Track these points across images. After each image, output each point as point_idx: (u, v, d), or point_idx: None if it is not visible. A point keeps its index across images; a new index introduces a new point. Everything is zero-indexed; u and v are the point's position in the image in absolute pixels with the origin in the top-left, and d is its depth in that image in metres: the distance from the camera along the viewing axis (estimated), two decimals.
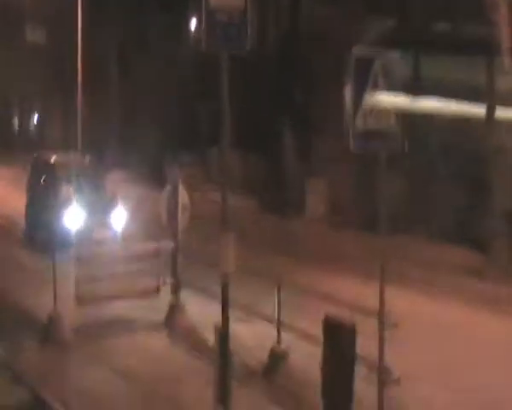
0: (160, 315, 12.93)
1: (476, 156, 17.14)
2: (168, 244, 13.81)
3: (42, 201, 19.83)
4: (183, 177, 14.49)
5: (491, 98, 13.95)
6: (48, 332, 12.05)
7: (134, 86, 38.80)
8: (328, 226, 22.26)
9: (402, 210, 20.09)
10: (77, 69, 33.77)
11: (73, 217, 17.97)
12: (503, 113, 11.87)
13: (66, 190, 18.87)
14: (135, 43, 37.50)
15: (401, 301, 12.54)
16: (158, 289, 13.47)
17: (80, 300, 12.72)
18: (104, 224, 18.38)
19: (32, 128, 58.63)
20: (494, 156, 16.68)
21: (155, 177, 23.14)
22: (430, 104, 8.47)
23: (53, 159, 20.91)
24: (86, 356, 11.34)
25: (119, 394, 9.93)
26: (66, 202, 18.41)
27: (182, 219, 12.92)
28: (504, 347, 11.84)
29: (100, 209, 18.62)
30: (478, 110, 9.43)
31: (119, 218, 18.62)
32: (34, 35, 43.31)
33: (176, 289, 13.13)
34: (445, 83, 17.37)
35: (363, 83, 8.01)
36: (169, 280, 13.33)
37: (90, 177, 19.95)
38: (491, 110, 10.79)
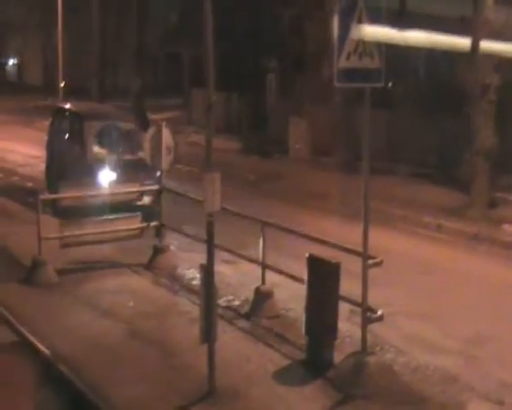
0: (145, 257, 12.92)
1: (461, 93, 17.03)
2: (152, 186, 13.76)
3: (64, 163, 16.69)
4: (166, 119, 14.41)
5: (477, 31, 13.81)
6: (32, 275, 12.02)
7: (116, 25, 38.32)
8: (311, 167, 22.24)
9: (384, 147, 20.12)
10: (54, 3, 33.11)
11: (105, 180, 15.53)
12: (488, 46, 11.77)
13: (96, 148, 16.30)
14: None
15: (382, 239, 12.61)
16: (142, 232, 13.43)
17: (64, 243, 12.66)
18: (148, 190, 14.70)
19: (10, 72, 57.64)
20: (478, 93, 16.60)
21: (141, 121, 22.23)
22: (415, 37, 8.36)
23: (79, 109, 17.82)
24: (71, 297, 11.34)
25: (104, 333, 9.95)
26: (97, 162, 15.94)
27: (166, 160, 12.83)
28: (481, 283, 11.99)
29: (137, 171, 15.16)
30: (464, 43, 9.36)
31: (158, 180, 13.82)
32: None
33: (160, 232, 13.11)
34: (431, 15, 17.25)
35: (349, 18, 7.92)
36: (153, 223, 13.28)
37: (125, 132, 16.57)
38: (476, 43, 10.71)
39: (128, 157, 15.88)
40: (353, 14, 7.91)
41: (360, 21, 7.90)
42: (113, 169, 15.68)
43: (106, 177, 15.58)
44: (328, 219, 15.48)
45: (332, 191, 17.25)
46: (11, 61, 58.58)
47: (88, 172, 15.56)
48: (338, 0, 7.90)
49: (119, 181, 15.43)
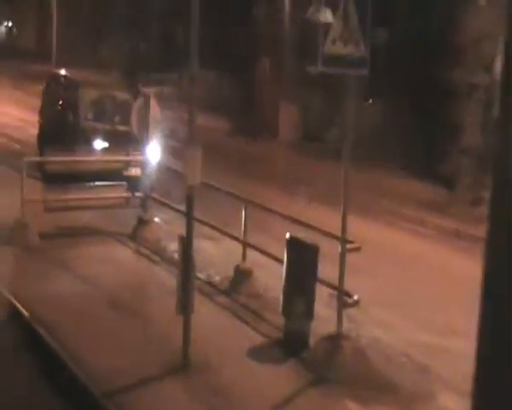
0: (128, 227, 12.91)
1: (448, 92, 17.11)
2: (138, 156, 13.74)
3: (58, 130, 16.54)
4: (156, 93, 14.33)
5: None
6: (14, 237, 11.97)
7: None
8: (298, 152, 22.24)
9: (371, 139, 20.16)
10: None
11: (95, 148, 15.50)
12: None
13: (89, 116, 16.23)
14: None
15: (365, 230, 12.68)
16: (127, 202, 13.42)
17: (48, 207, 12.63)
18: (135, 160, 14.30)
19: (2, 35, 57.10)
20: (465, 91, 16.69)
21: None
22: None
23: (74, 77, 17.69)
24: (52, 262, 11.31)
25: (83, 299, 9.94)
26: (88, 130, 15.89)
27: (152, 131, 12.80)
28: (459, 277, 12.04)
29: (127, 142, 14.56)
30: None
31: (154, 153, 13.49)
32: None
33: (144, 203, 13.10)
34: None
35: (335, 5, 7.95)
36: (138, 193, 13.26)
37: (119, 102, 16.43)
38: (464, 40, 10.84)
39: (120, 127, 15.78)
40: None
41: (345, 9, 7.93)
42: (104, 138, 15.62)
43: (96, 145, 15.54)
44: (312, 205, 15.48)
45: (317, 177, 17.27)
46: (4, 24, 58.17)
47: (79, 138, 15.53)
48: None
49: (108, 150, 15.39)
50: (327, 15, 8.01)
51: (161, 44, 36.63)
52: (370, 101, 21.25)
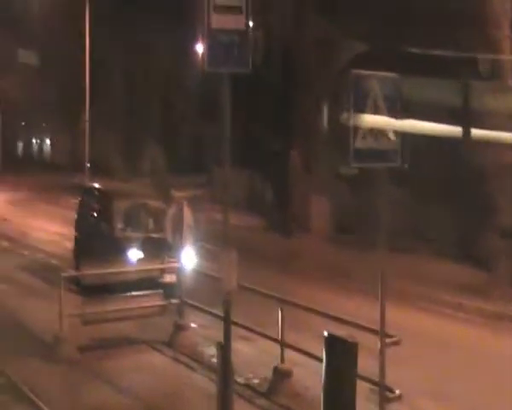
0: (166, 334, 12.93)
1: (478, 174, 17.16)
2: (173, 264, 13.84)
3: (93, 242, 16.85)
4: (189, 197, 14.54)
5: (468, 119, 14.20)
6: (53, 352, 12.05)
7: (139, 105, 38.96)
8: (332, 244, 22.27)
9: (403, 227, 20.14)
10: (81, 89, 33.89)
11: (131, 258, 15.66)
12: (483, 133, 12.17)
13: (124, 226, 16.41)
14: (141, 62, 37.55)
15: (403, 318, 12.56)
16: (163, 309, 13.48)
17: (86, 320, 12.73)
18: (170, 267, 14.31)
19: (35, 151, 58.74)
20: (496, 174, 16.72)
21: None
22: (415, 125, 8.63)
23: (108, 189, 18.34)
24: (92, 375, 11.34)
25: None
26: (124, 240, 16.10)
27: (186, 237, 12.95)
28: (503, 364, 11.81)
29: (162, 249, 14.83)
30: (456, 130, 9.70)
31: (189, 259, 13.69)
32: (26, 57, 43.07)
33: (181, 309, 13.14)
34: (423, 104, 17.55)
35: (362, 102, 8.08)
36: (174, 300, 13.32)
37: (153, 210, 16.67)
38: (467, 130, 11.11)
39: (154, 235, 15.96)
40: (367, 101, 8.08)
41: (375, 106, 8.06)
42: (139, 247, 15.80)
43: (132, 255, 15.71)
44: (348, 297, 15.45)
45: (352, 269, 17.23)
46: (46, 141, 59.99)
47: (114, 249, 15.70)
48: (352, 88, 8.05)
49: (144, 259, 15.54)
50: (359, 120, 8.14)
51: (191, 147, 37.29)
52: (406, 166, 21.21)
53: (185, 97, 36.05)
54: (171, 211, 13.26)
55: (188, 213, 13.05)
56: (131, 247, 15.80)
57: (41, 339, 12.80)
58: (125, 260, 15.52)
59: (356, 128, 8.10)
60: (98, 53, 35.41)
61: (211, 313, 12.64)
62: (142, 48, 36.96)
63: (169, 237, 13.26)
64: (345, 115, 8.25)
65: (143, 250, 15.75)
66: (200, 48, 35.10)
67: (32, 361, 11.87)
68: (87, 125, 34.92)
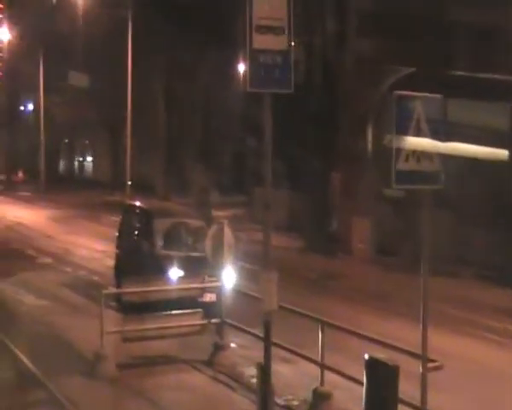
0: (206, 354, 12.95)
1: None
2: (213, 283, 13.87)
3: (134, 260, 16.85)
4: (229, 217, 14.60)
5: None
6: (94, 369, 12.14)
7: (181, 124, 39.27)
8: (374, 266, 22.18)
9: (447, 250, 19.97)
10: (123, 110, 34.31)
11: (171, 277, 15.60)
12: None
13: (164, 245, 16.37)
14: (182, 80, 37.82)
15: (445, 343, 12.44)
16: (203, 329, 13.50)
17: (126, 338, 12.82)
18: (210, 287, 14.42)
19: (76, 169, 59.60)
20: None
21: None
22: (458, 147, 8.61)
23: (148, 207, 18.26)
24: (131, 393, 11.40)
25: None
26: (164, 259, 16.05)
27: (227, 257, 12.98)
28: None
29: (202, 268, 14.77)
30: (502, 153, 9.62)
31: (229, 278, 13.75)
32: (76, 79, 43.70)
33: (220, 328, 13.16)
34: (469, 127, 17.45)
35: (405, 124, 8.08)
36: (214, 319, 13.34)
37: (193, 229, 16.70)
38: None
39: (194, 254, 15.89)
40: (410, 122, 8.07)
41: (418, 128, 8.05)
42: (179, 265, 15.86)
43: (172, 273, 15.76)
44: (389, 319, 15.34)
45: (394, 292, 17.13)
46: (88, 159, 60.80)
47: (155, 268, 15.76)
48: (395, 110, 8.05)
49: (184, 277, 15.58)
50: (402, 142, 8.14)
51: (232, 166, 37.46)
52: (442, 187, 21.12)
53: (226, 117, 36.25)
54: (212, 230, 13.30)
55: (228, 233, 13.08)
56: (172, 265, 15.85)
57: (82, 355, 12.89)
58: (165, 279, 15.58)
59: (398, 150, 8.09)
60: (140, 72, 35.77)
61: (251, 334, 12.64)
62: (183, 67, 37.29)
63: (209, 256, 13.30)
64: (388, 137, 8.26)
65: (184, 269, 15.81)
66: (242, 67, 35.42)
67: (73, 377, 11.95)
68: (128, 141, 35.20)
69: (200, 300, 14.89)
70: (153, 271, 15.59)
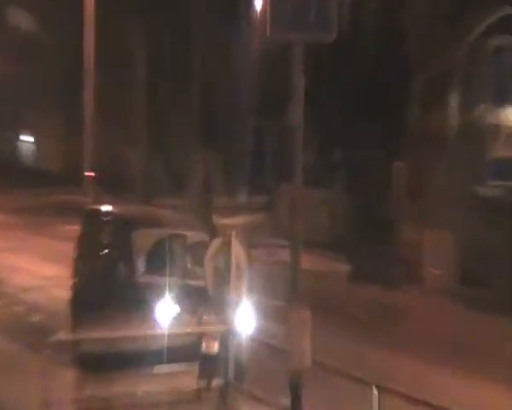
0: None
1: None
2: (214, 324, 13.86)
3: (101, 290, 16.37)
4: (241, 226, 14.60)
5: None
6: None
7: (170, 94, 39.58)
8: (455, 302, 22.21)
9: None
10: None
11: (164, 314, 15.29)
12: None
13: (147, 269, 16.21)
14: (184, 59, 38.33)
15: None
16: (198, 395, 13.51)
17: (84, 408, 12.85)
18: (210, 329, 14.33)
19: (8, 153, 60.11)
20: None
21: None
22: None
23: (125, 213, 18.37)
24: None
25: None
26: (149, 289, 15.80)
27: (235, 286, 12.97)
28: None
29: (204, 301, 14.73)
30: None
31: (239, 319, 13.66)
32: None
33: (224, 395, 13.14)
34: None
35: (507, 88, 8.01)
36: (216, 380, 13.35)
37: (191, 245, 16.55)
38: None
39: (192, 282, 15.73)
40: None
41: None
42: (170, 299, 15.80)
43: (158, 311, 15.68)
44: (479, 384, 15.33)
45: (482, 341, 17.13)
46: (28, 140, 60.94)
47: (132, 303, 15.70)
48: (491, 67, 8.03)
49: (176, 317, 15.51)
50: (501, 116, 8.16)
51: (245, 154, 37.58)
52: None
53: (236, 81, 36.37)
54: (213, 247, 13.30)
55: (238, 250, 13.08)
56: (157, 299, 15.78)
57: None
58: (146, 319, 15.53)
59: (496, 127, 8.02)
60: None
61: (271, 404, 12.60)
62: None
63: (208, 284, 13.29)
64: (481, 108, 8.21)
65: (175, 304, 15.76)
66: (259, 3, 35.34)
67: None
68: (87, 111, 34.92)
69: (196, 350, 14.88)
70: (129, 307, 15.55)
